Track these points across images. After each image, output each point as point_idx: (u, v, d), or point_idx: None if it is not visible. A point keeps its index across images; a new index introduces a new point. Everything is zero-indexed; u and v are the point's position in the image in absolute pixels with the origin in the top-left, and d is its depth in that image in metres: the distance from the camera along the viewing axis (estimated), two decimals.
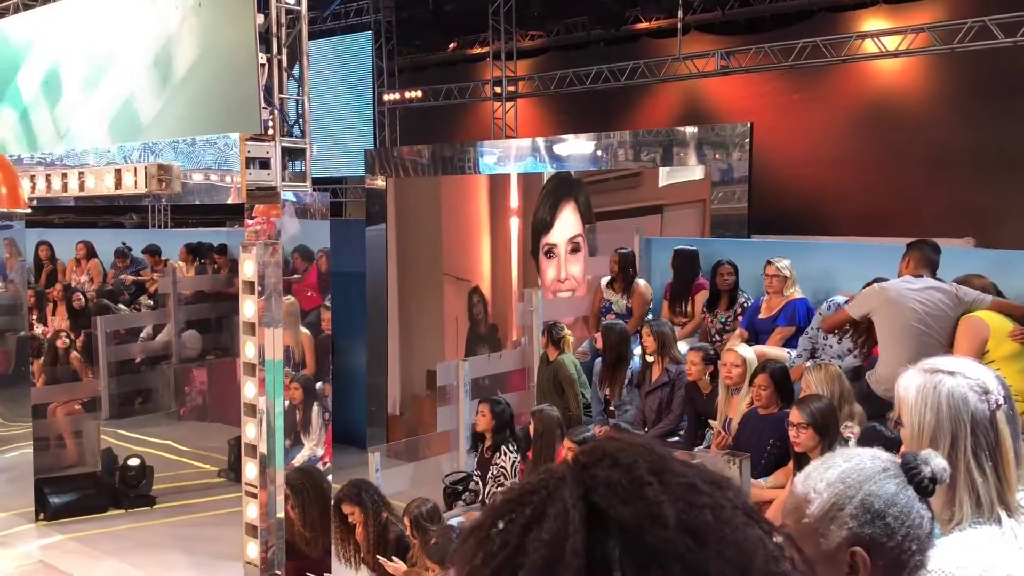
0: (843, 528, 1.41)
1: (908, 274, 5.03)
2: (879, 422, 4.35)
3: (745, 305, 6.60)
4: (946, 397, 1.78)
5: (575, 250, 9.48)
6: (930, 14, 10.41)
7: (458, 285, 10.91)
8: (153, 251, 10.73)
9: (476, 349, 10.24)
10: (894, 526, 1.41)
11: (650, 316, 7.15)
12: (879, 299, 4.89)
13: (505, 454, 6.12)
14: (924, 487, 1.45)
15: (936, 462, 1.47)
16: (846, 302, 5.37)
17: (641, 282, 7.34)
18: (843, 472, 1.46)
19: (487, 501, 6.15)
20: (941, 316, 4.74)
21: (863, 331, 5.36)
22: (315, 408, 6.16)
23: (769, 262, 6.21)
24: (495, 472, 6.12)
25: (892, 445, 1.95)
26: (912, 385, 1.82)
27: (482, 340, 10.43)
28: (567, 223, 9.65)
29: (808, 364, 5.13)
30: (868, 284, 5.27)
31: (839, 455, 1.51)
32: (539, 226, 9.95)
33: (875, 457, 1.49)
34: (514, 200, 10.23)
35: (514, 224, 10.27)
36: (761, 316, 6.26)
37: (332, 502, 5.86)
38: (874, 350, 5.22)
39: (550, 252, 9.83)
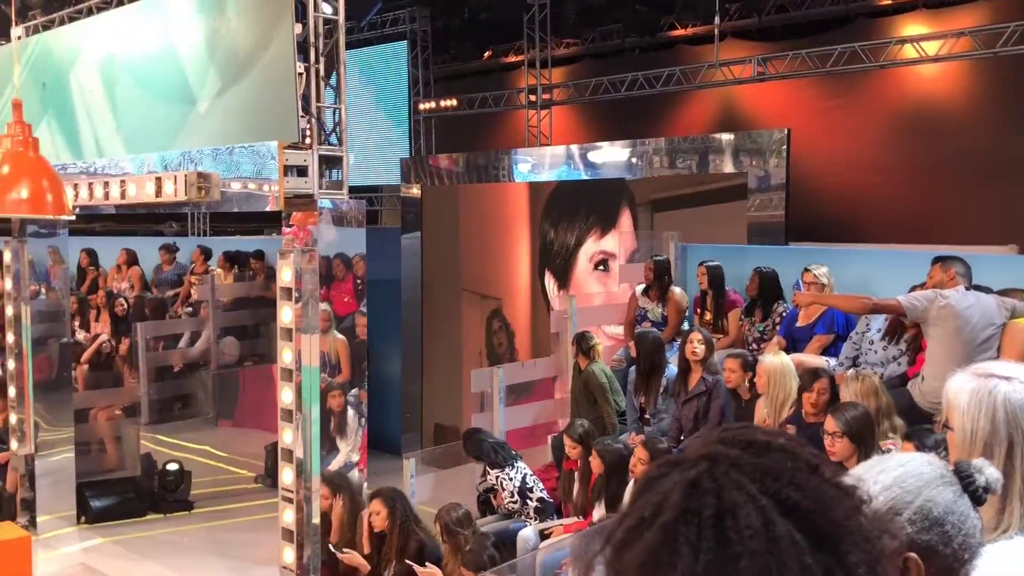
0: (899, 535, 1.38)
1: (952, 287, 4.93)
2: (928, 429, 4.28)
3: (783, 313, 6.53)
4: (1003, 403, 1.72)
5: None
6: (971, 18, 10.25)
7: (481, 303, 10.77)
8: (205, 251, 10.93)
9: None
10: (951, 533, 1.37)
11: (685, 324, 7.10)
12: (943, 311, 4.75)
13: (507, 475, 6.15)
14: (978, 496, 1.42)
15: (990, 471, 1.44)
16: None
17: (677, 290, 7.29)
18: (899, 476, 1.42)
19: (508, 508, 6.15)
20: (997, 332, 4.69)
21: (900, 330, 5.29)
22: (350, 414, 6.20)
23: (807, 269, 6.14)
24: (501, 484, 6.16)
25: None
26: (965, 389, 1.77)
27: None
28: (627, 230, 9.26)
29: (848, 374, 5.06)
30: (914, 288, 5.18)
31: (892, 458, 1.48)
32: (584, 231, 9.70)
33: (931, 463, 1.45)
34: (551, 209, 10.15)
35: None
36: (799, 324, 6.19)
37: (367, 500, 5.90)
38: (919, 356, 5.14)
39: (604, 264, 9.56)
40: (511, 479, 6.10)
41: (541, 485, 6.20)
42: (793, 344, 6.12)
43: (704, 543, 0.82)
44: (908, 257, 6.98)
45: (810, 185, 10.11)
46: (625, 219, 9.34)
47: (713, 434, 0.96)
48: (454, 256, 11.23)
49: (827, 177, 10.85)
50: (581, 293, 9.43)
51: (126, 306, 9.90)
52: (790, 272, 6.51)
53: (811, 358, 5.81)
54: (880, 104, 11.09)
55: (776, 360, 5.38)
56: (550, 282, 10.00)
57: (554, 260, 9.97)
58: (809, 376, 5.06)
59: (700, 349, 5.96)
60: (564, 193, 9.95)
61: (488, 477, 6.25)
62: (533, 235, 10.27)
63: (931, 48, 10.12)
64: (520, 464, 6.23)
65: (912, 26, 10.78)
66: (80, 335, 9.96)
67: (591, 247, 9.62)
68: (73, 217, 5.77)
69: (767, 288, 6.68)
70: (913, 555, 1.36)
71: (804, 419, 4.98)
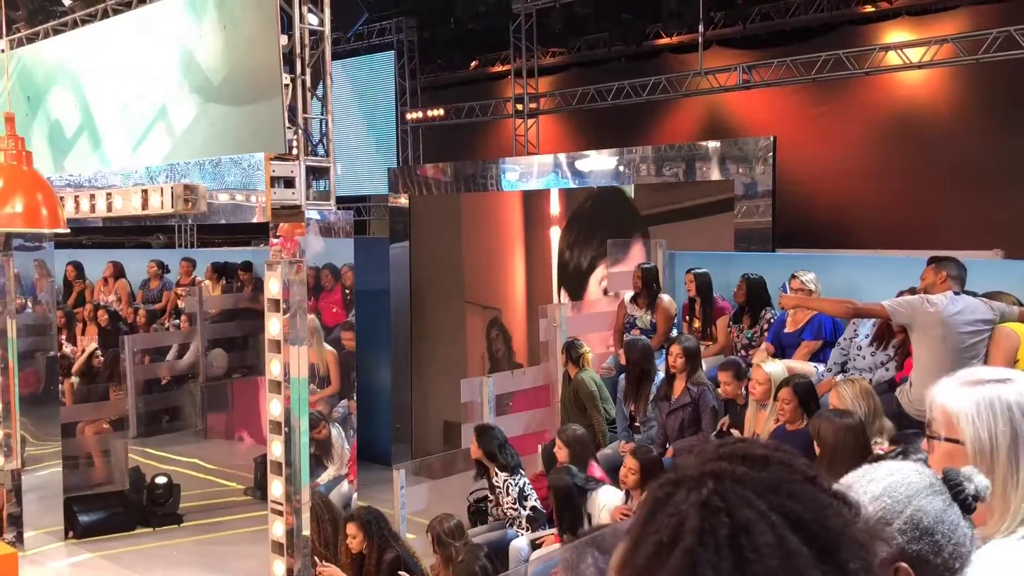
0: (890, 543, 1.38)
1: (942, 291, 4.91)
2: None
3: (771, 320, 6.55)
4: (1016, 405, 1.70)
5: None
6: (954, 25, 10.34)
7: (483, 312, 10.75)
8: (190, 263, 10.93)
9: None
10: (942, 543, 1.37)
11: (675, 332, 7.11)
12: (929, 318, 4.72)
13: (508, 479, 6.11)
14: (968, 504, 1.41)
15: (978, 479, 1.43)
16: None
17: (665, 297, 7.30)
18: (888, 486, 1.41)
19: (507, 513, 6.12)
20: (984, 337, 4.70)
21: (889, 335, 5.30)
22: (335, 431, 6.18)
23: (794, 276, 6.16)
24: (503, 488, 6.11)
25: None
26: (968, 399, 1.73)
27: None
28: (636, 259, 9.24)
29: (839, 378, 5.07)
30: (901, 293, 5.19)
31: (881, 467, 1.46)
32: (597, 256, 9.55)
33: (919, 471, 1.44)
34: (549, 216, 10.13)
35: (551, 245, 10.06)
36: (787, 330, 6.21)
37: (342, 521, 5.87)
38: (907, 361, 5.16)
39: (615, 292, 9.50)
40: (516, 484, 6.07)
41: (535, 494, 6.18)
42: (781, 350, 6.14)
43: (724, 564, 0.82)
44: (894, 263, 7.02)
45: (796, 192, 10.16)
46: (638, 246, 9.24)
47: (710, 448, 0.96)
48: (443, 265, 11.23)
49: (813, 183, 10.91)
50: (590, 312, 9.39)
51: (107, 317, 9.86)
52: (777, 278, 6.53)
53: (800, 364, 5.82)
54: (865, 111, 11.16)
55: (779, 368, 5.39)
56: (565, 300, 9.98)
57: (569, 279, 9.97)
58: (780, 384, 5.10)
59: (680, 361, 5.98)
60: (583, 212, 9.90)
61: (495, 479, 6.17)
62: (529, 245, 10.28)
63: (915, 55, 10.19)
64: (522, 470, 6.22)
65: (896, 33, 10.86)
66: (67, 348, 9.90)
67: (601, 272, 9.55)
68: (68, 230, 5.76)
69: (755, 295, 6.70)
70: (904, 565, 1.35)
71: (785, 429, 5.01)
